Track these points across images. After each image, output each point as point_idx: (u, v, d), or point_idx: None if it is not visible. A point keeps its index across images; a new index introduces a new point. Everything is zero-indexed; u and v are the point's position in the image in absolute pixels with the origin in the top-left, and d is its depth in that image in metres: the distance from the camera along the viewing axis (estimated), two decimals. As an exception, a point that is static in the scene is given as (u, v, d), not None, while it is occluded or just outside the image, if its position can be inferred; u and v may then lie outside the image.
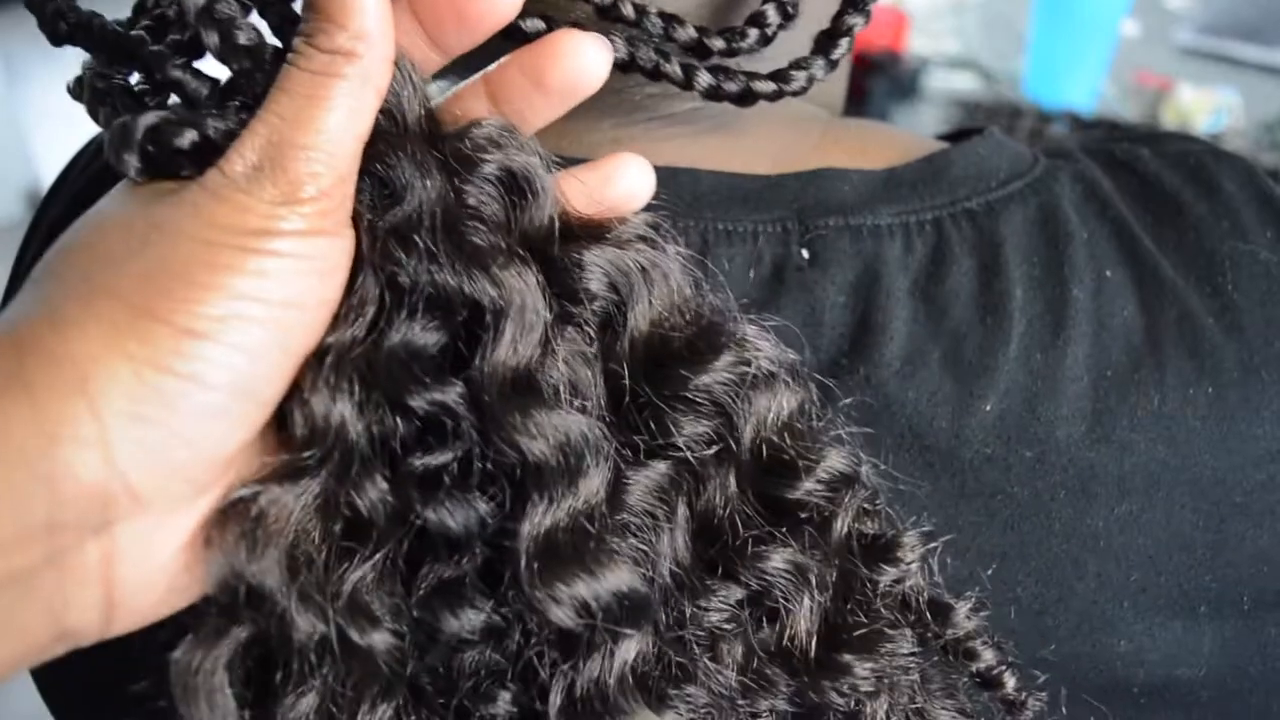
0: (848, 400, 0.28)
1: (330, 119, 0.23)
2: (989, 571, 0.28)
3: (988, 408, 0.28)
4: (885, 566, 0.26)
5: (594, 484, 0.24)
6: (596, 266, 0.25)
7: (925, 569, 0.26)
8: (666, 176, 0.28)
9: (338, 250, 0.23)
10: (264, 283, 0.22)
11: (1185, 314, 0.29)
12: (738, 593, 0.25)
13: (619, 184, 0.26)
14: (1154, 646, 0.28)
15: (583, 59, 0.25)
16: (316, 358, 0.23)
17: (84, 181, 0.34)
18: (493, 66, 0.27)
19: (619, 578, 0.23)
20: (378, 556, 0.24)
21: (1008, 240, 0.29)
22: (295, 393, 0.23)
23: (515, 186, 0.25)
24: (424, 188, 0.24)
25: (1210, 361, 0.29)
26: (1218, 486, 0.29)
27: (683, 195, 0.29)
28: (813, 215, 0.29)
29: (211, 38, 0.24)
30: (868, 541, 0.26)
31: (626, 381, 0.25)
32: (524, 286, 0.24)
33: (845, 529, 0.26)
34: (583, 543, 0.23)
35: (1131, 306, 0.29)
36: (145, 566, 0.22)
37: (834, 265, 0.29)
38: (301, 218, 0.22)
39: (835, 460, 0.25)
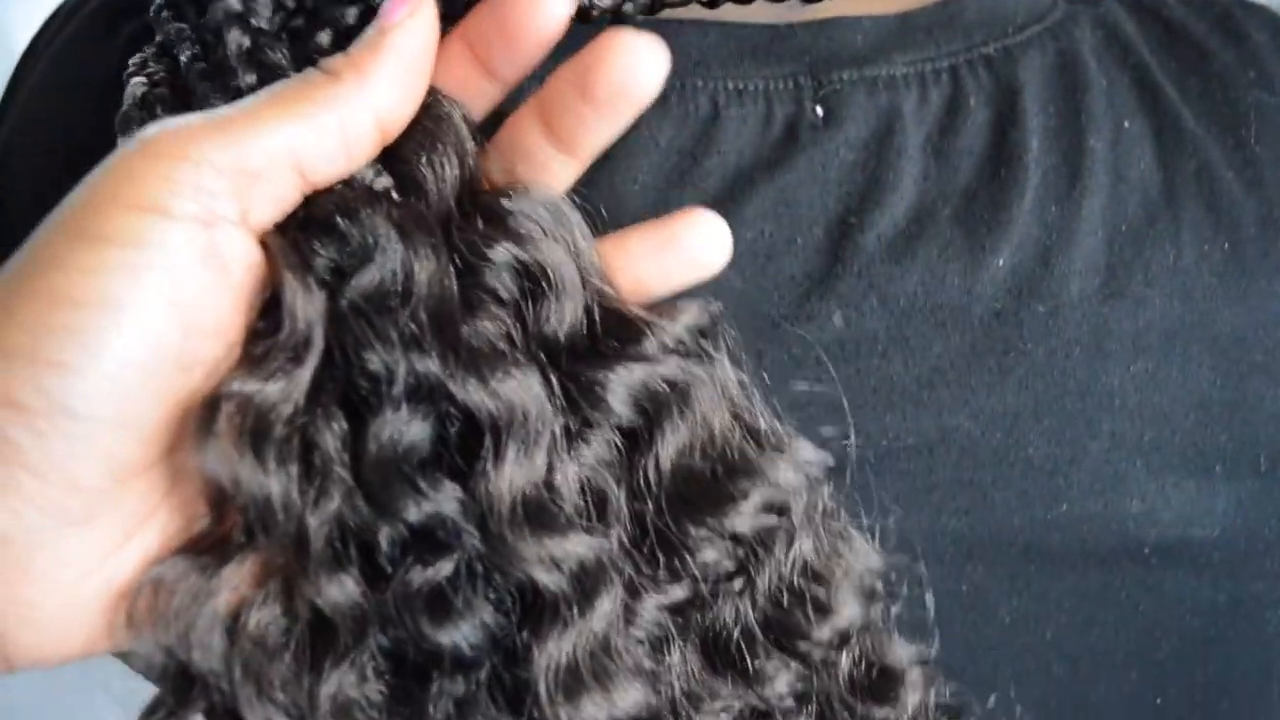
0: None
1: (267, 123, 0.21)
2: (1000, 433, 0.27)
3: (1000, 263, 0.27)
4: (884, 706, 0.24)
5: (609, 608, 0.22)
6: (622, 387, 0.22)
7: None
8: (671, 32, 0.27)
9: (232, 248, 0.21)
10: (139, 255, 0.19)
11: (1204, 167, 0.28)
12: (738, 705, 0.24)
13: (685, 247, 0.24)
14: (1167, 506, 0.28)
15: (632, 61, 0.22)
16: (237, 408, 0.20)
17: (61, 44, 0.33)
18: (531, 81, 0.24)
19: (634, 697, 0.22)
20: (356, 660, 0.21)
21: (1025, 88, 0.28)
22: (203, 437, 0.20)
23: (535, 280, 0.22)
24: (407, 257, 0.21)
25: (1229, 216, 0.28)
26: (1236, 344, 0.28)
27: (689, 53, 0.28)
28: (826, 69, 0.28)
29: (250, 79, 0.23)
30: (871, 678, 0.25)
31: (647, 507, 0.23)
32: (528, 398, 0.21)
33: (850, 669, 0.24)
34: (599, 665, 0.22)
35: (1149, 158, 0.28)
36: (28, 604, 0.20)
37: (849, 121, 0.28)
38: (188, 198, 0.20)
39: (851, 609, 0.24)
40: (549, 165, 0.24)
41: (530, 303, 0.22)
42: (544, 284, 0.22)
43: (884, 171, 0.27)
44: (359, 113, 0.21)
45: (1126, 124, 0.28)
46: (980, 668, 0.29)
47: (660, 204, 0.27)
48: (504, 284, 0.22)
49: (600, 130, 0.23)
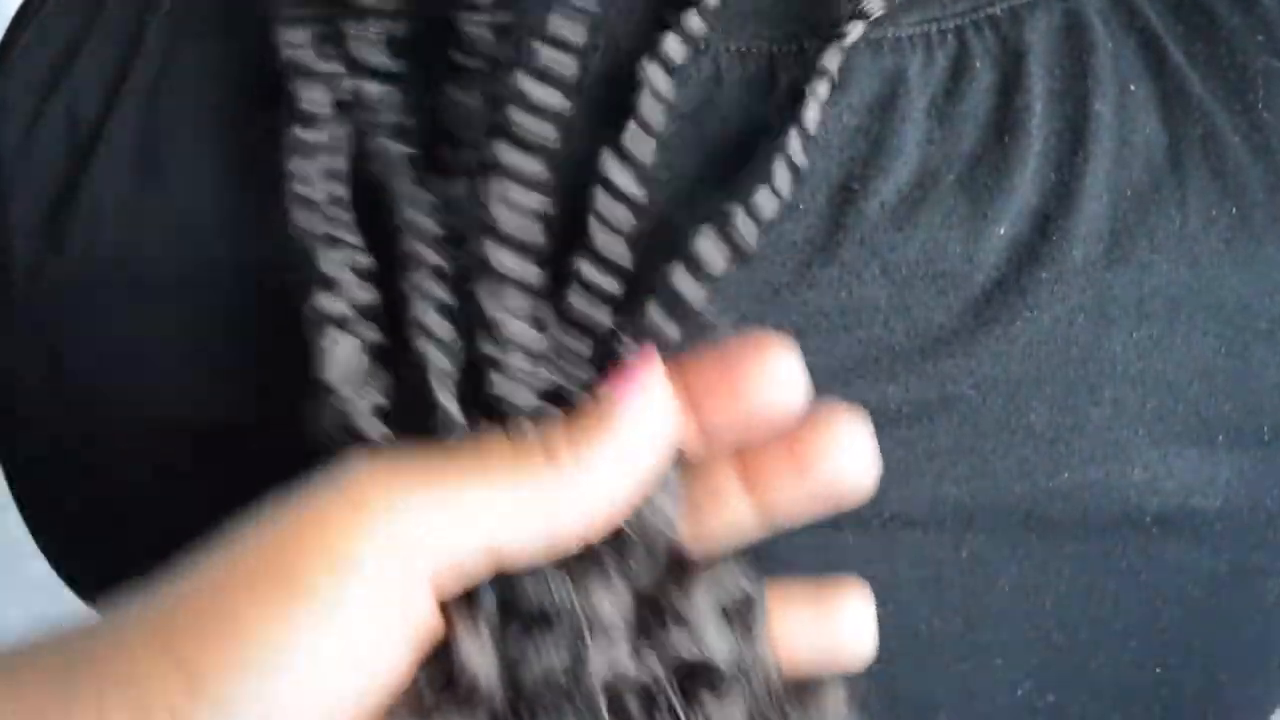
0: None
1: (471, 505, 0.20)
2: (1001, 401, 0.27)
3: (1001, 230, 0.27)
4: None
5: None
6: None
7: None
8: None
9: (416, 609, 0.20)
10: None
11: (1211, 132, 0.28)
12: None
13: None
14: (1169, 475, 0.28)
15: (858, 456, 0.21)
16: None
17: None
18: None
19: None
20: None
21: (1030, 51, 0.28)
22: None
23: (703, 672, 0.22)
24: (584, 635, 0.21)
25: (1235, 182, 0.28)
26: (1241, 311, 0.28)
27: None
28: (830, 31, 0.27)
29: None
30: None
31: None
32: None
33: None
34: None
35: (1155, 123, 0.28)
36: None
37: (853, 85, 0.27)
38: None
39: None
40: (735, 507, 0.23)
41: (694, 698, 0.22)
42: (710, 679, 0.23)
43: (887, 136, 0.27)
44: (572, 511, 0.20)
45: (1132, 87, 0.28)
46: (979, 636, 0.28)
47: (662, 167, 0.27)
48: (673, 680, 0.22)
49: (804, 511, 0.23)
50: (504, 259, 0.24)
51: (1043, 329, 0.27)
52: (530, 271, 0.24)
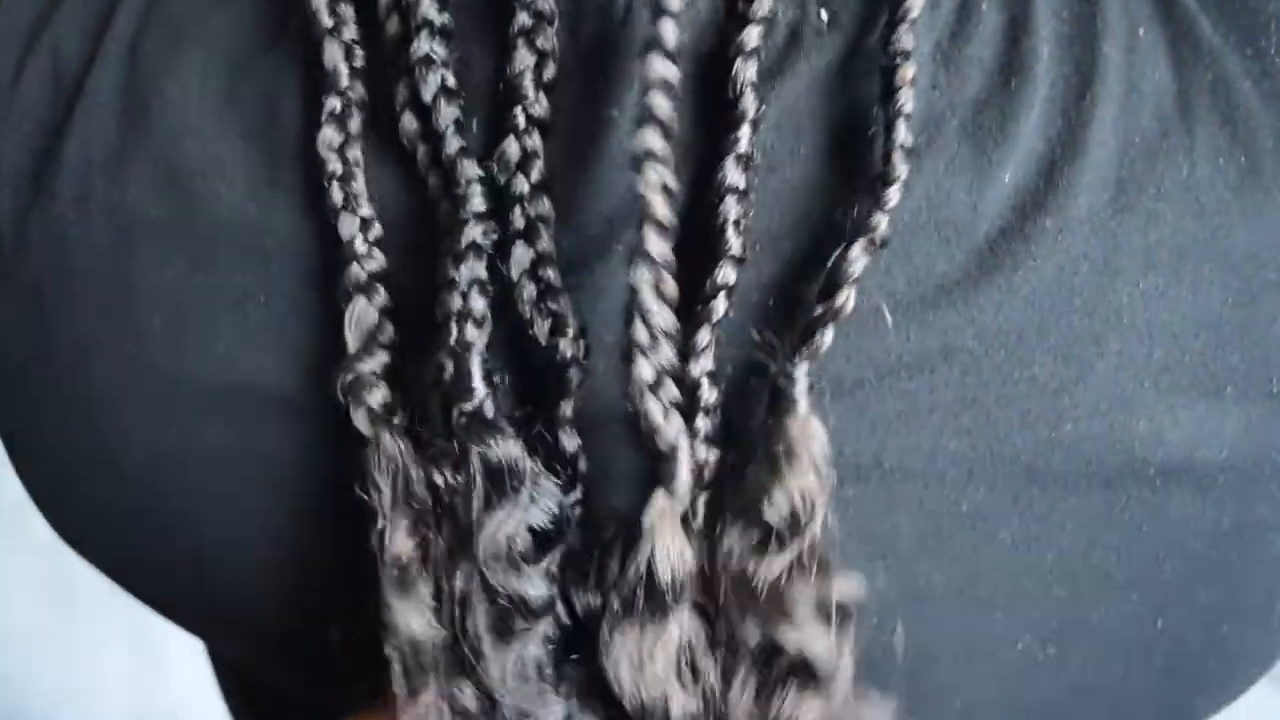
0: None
1: None
2: (1004, 352, 0.26)
3: (1006, 178, 0.26)
4: None
5: None
6: None
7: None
8: None
9: None
10: None
11: (1221, 78, 0.27)
12: None
13: None
14: (1175, 428, 0.27)
15: None
16: None
17: None
18: None
19: None
20: None
21: None
22: None
23: None
24: None
25: (1245, 129, 0.27)
26: (1249, 262, 0.27)
27: None
28: None
29: None
30: None
31: None
32: None
33: None
34: None
35: (1164, 68, 0.27)
36: None
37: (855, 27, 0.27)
38: None
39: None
40: None
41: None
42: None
43: (890, 80, 0.26)
44: None
45: (1141, 32, 0.27)
46: (980, 590, 0.28)
47: None
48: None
49: None
50: (655, 244, 0.24)
51: (1047, 278, 0.26)
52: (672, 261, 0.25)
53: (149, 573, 0.33)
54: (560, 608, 0.27)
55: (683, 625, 0.25)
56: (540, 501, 0.26)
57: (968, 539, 0.28)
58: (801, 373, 0.25)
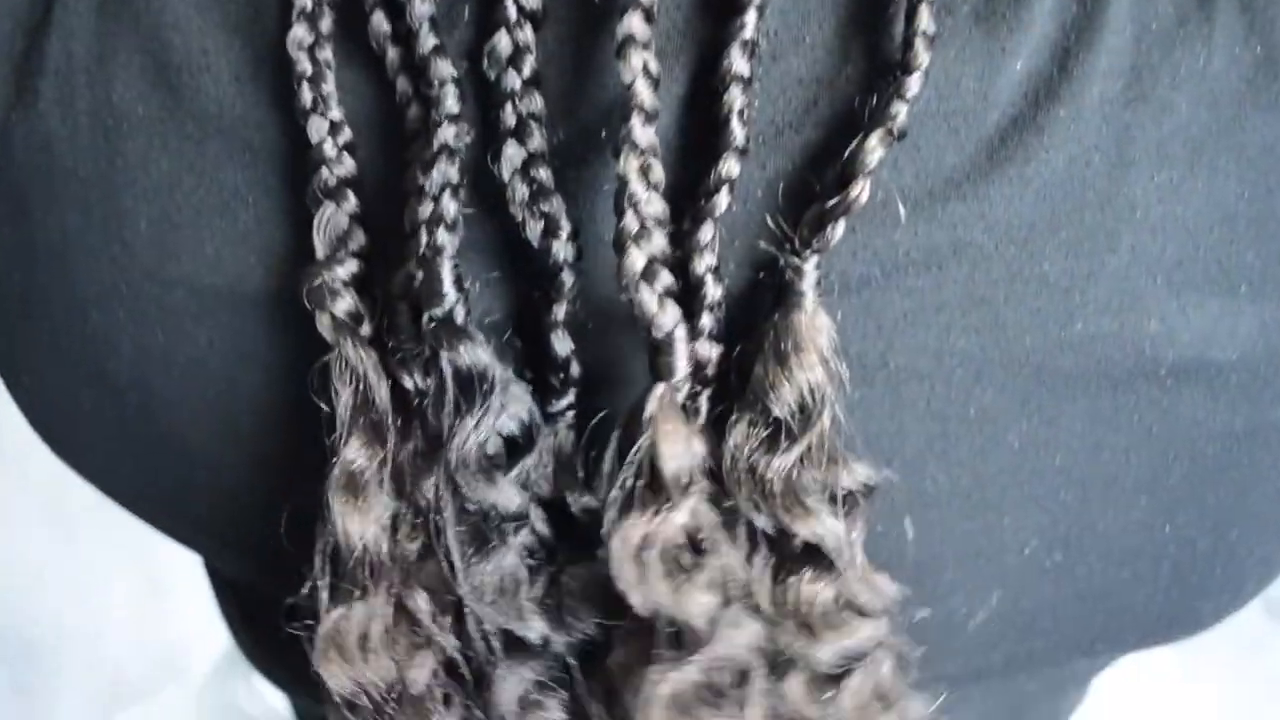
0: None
1: None
2: (1014, 248, 0.26)
3: (1018, 66, 0.25)
4: None
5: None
6: None
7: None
8: None
9: None
10: None
11: None
12: None
13: None
14: (1187, 327, 0.27)
15: None
16: None
17: None
18: None
19: None
20: None
21: None
22: None
23: None
24: None
25: (1263, 17, 0.26)
26: (1265, 154, 0.26)
27: None
28: None
29: None
30: None
31: None
32: None
33: None
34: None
35: None
36: None
37: None
38: None
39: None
40: None
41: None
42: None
43: None
44: None
45: None
46: (987, 494, 0.28)
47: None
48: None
49: None
50: (641, 132, 0.24)
51: (1059, 171, 0.25)
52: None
53: (142, 486, 0.33)
54: (538, 521, 0.27)
55: (690, 517, 0.24)
56: (510, 409, 0.26)
57: (975, 442, 0.27)
58: (810, 266, 0.24)
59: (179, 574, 1.03)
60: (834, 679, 0.27)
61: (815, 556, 0.25)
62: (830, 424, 0.25)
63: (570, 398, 0.27)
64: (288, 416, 0.29)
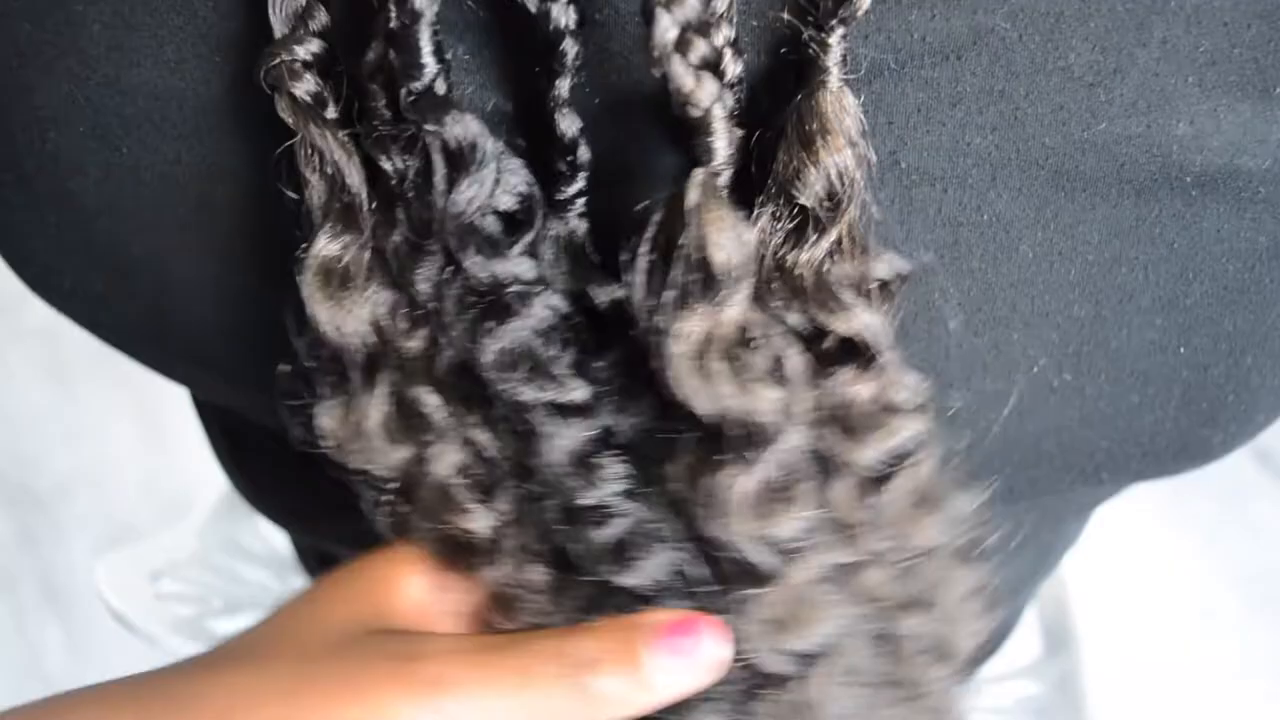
0: None
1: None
2: (1038, 37, 0.24)
3: None
4: None
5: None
6: None
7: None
8: None
9: None
10: None
11: None
12: None
13: None
14: (1217, 131, 0.25)
15: None
16: None
17: None
18: None
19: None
20: None
21: None
22: None
23: None
24: None
25: None
26: None
27: None
28: None
29: None
30: None
31: None
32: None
33: None
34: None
35: None
36: None
37: None
38: None
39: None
40: None
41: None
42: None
43: None
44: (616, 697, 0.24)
45: None
46: (997, 307, 0.27)
47: None
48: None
49: None
50: None
51: None
52: None
53: (120, 316, 0.32)
54: (557, 300, 0.25)
55: (742, 312, 0.23)
56: (506, 181, 0.24)
57: (987, 250, 0.26)
58: (836, 40, 0.22)
59: (179, 419, 1.03)
60: (878, 482, 0.26)
61: (851, 355, 0.24)
62: (860, 213, 0.23)
63: (580, 183, 0.25)
64: (263, 231, 0.27)
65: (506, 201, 0.24)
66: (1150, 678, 0.89)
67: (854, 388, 0.24)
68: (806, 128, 0.22)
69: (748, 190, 0.24)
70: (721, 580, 0.26)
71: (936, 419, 0.27)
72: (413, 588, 0.28)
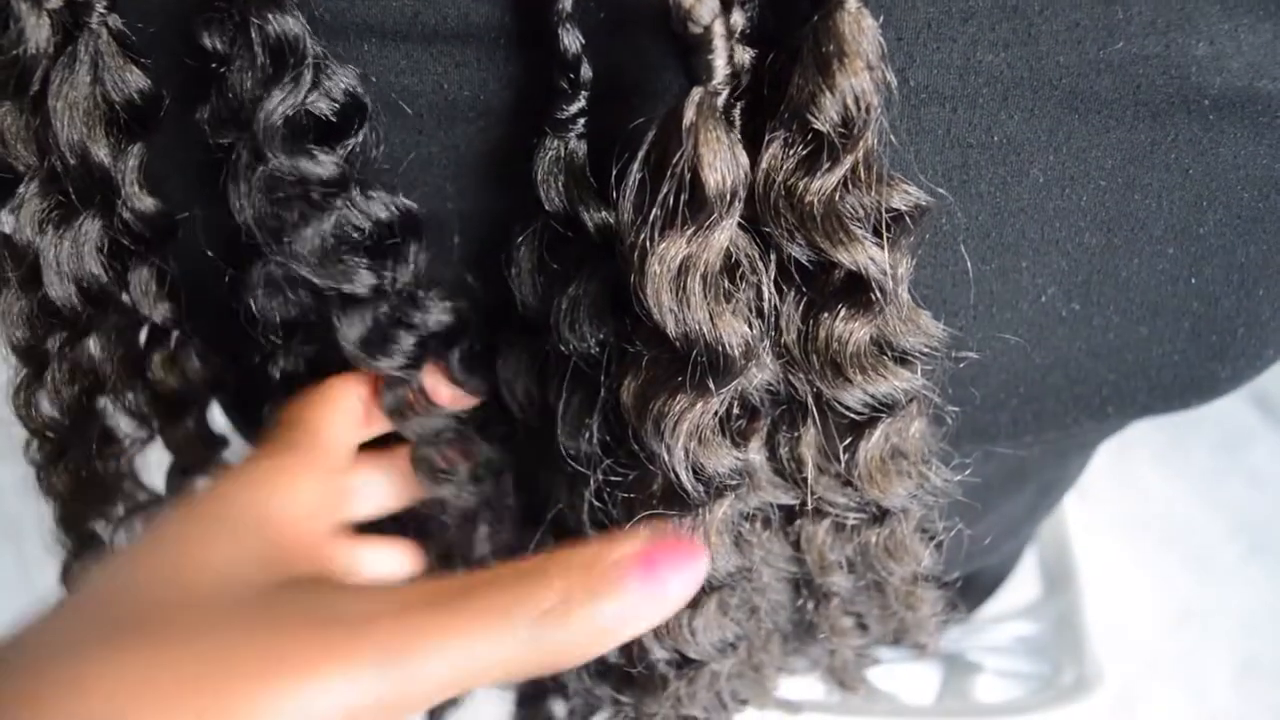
0: None
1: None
2: None
3: None
4: None
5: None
6: None
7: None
8: None
9: None
10: None
11: None
12: None
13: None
14: (1237, 52, 0.24)
15: None
16: None
17: None
18: None
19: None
20: None
21: None
22: None
23: None
24: None
25: None
26: None
27: None
28: None
29: None
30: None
31: None
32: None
33: None
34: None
35: None
36: None
37: None
38: None
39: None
40: None
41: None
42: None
43: None
44: (565, 654, 0.22)
45: None
46: (1005, 233, 0.26)
47: None
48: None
49: None
50: None
51: None
52: None
53: None
54: (361, 197, 0.26)
55: (729, 238, 0.22)
56: (324, 85, 0.24)
57: (997, 174, 0.25)
58: None
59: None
60: (856, 428, 0.26)
61: (854, 291, 0.24)
62: (877, 140, 0.22)
63: (581, 102, 0.24)
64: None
65: (321, 105, 0.24)
66: (1148, 620, 0.90)
67: (849, 325, 0.24)
68: (823, 50, 0.21)
69: (761, 114, 0.23)
70: (650, 496, 0.26)
71: (942, 352, 0.27)
72: (305, 492, 0.28)
